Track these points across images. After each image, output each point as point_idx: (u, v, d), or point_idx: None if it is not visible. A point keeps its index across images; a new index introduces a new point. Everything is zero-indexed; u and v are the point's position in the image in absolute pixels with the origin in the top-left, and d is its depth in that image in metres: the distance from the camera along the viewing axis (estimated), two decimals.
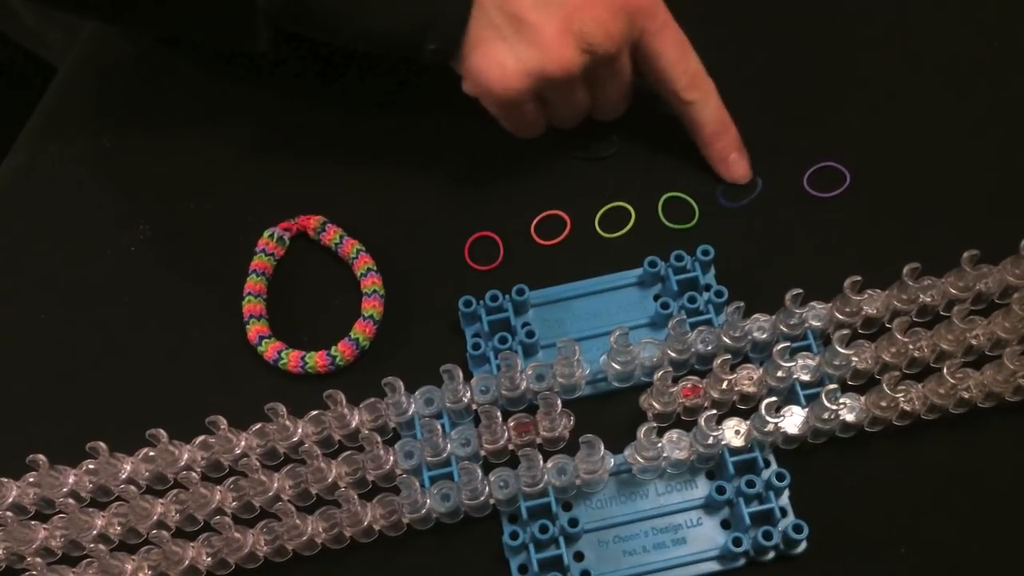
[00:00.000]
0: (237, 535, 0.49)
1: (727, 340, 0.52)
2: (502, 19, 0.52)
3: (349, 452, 0.51)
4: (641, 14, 0.54)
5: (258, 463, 0.50)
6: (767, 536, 0.47)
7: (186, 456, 0.52)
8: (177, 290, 0.60)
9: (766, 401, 0.49)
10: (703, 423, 0.48)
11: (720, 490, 0.49)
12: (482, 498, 0.49)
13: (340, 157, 0.62)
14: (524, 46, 0.52)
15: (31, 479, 0.52)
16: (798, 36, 0.65)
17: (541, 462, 0.49)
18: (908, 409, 0.50)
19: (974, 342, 0.51)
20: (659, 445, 0.50)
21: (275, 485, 0.51)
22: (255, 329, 0.56)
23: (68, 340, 0.59)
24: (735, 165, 0.58)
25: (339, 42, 0.57)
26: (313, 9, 0.53)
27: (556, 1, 0.52)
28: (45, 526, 0.51)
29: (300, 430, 0.52)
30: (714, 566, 0.49)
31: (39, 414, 0.57)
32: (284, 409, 0.51)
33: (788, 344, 0.50)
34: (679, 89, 0.56)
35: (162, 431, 0.51)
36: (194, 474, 0.50)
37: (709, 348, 0.52)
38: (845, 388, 0.52)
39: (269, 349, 0.55)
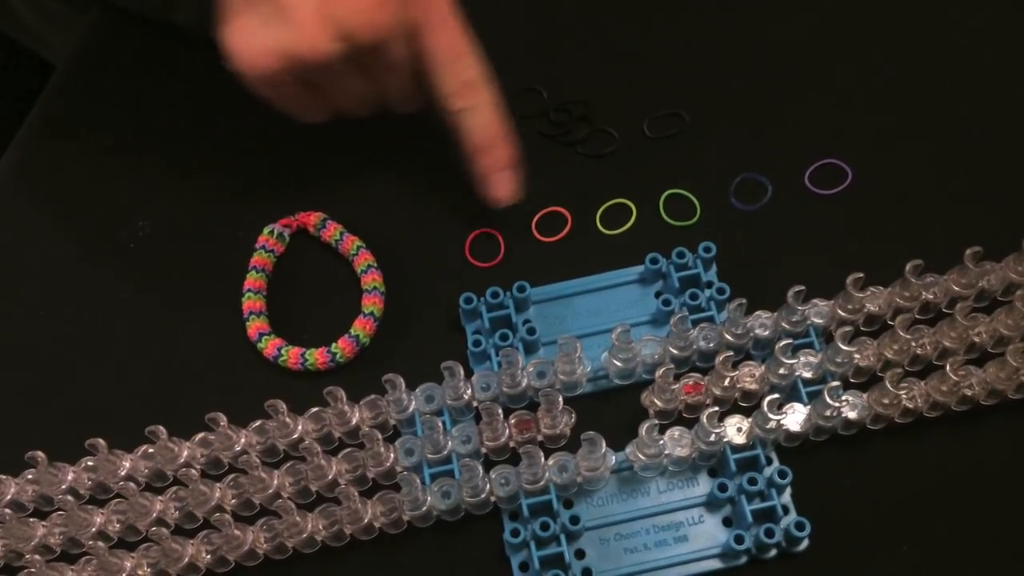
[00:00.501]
0: (237, 532, 0.49)
1: (729, 337, 0.52)
2: None
3: (349, 449, 0.51)
4: (414, 6, 0.51)
5: (258, 460, 0.50)
6: (769, 534, 0.47)
7: (185, 453, 0.52)
8: (177, 287, 0.59)
9: (768, 398, 0.49)
10: (705, 420, 0.48)
11: (722, 487, 0.49)
12: (483, 496, 0.49)
13: (340, 153, 0.62)
14: (277, 25, 0.49)
15: (30, 476, 0.52)
16: (799, 33, 0.65)
17: (542, 459, 0.49)
18: (910, 407, 0.50)
19: (977, 339, 0.51)
20: (661, 442, 0.49)
21: (275, 482, 0.50)
22: (255, 326, 0.56)
23: (67, 337, 0.58)
24: (498, 185, 0.55)
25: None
26: None
27: None
28: (44, 523, 0.51)
29: (300, 427, 0.52)
30: (716, 564, 0.49)
31: (38, 411, 0.56)
32: (284, 406, 0.51)
33: (790, 341, 0.50)
34: (445, 94, 0.53)
35: (161, 428, 0.51)
36: (193, 471, 0.50)
37: (711, 345, 0.52)
38: (847, 385, 0.51)
39: (269, 346, 0.55)
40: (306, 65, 0.50)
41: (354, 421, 0.52)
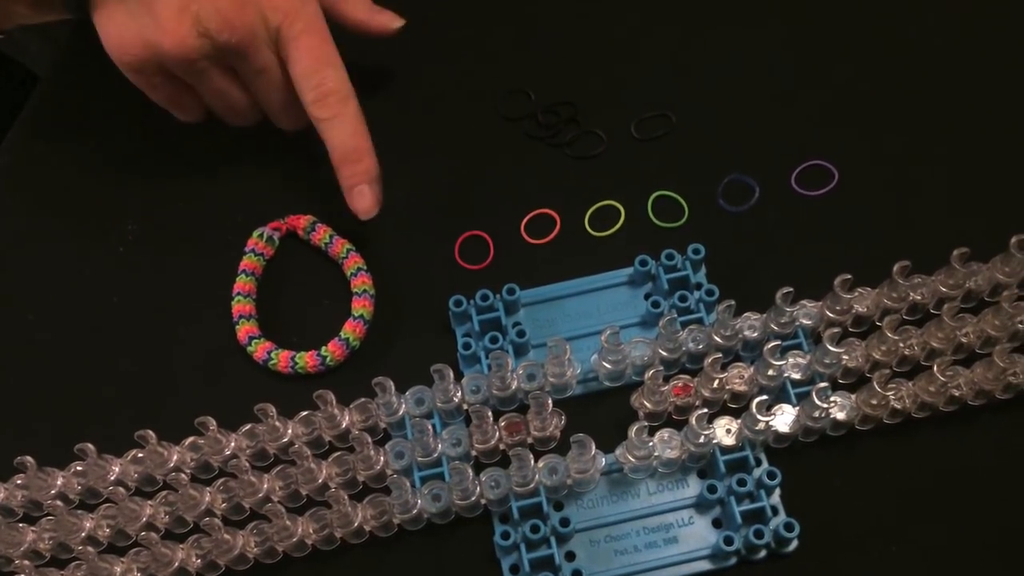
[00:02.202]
0: (227, 536, 0.49)
1: (718, 339, 0.52)
2: None
3: (339, 453, 0.51)
4: (275, 12, 0.53)
5: (248, 464, 0.50)
6: (758, 535, 0.47)
7: (175, 457, 0.52)
8: (166, 290, 0.59)
9: (757, 400, 0.49)
10: (694, 422, 0.48)
11: (711, 489, 0.49)
12: (473, 498, 0.49)
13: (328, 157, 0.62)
14: (144, 18, 0.52)
15: (19, 481, 0.52)
16: (785, 35, 0.65)
17: (532, 462, 0.49)
18: (899, 407, 0.50)
19: (964, 340, 0.51)
20: (650, 444, 0.50)
21: (265, 486, 0.50)
22: (245, 329, 0.56)
23: (56, 341, 0.58)
24: (359, 197, 0.55)
25: None
26: None
27: None
28: (33, 528, 0.51)
29: (290, 431, 0.52)
30: (705, 565, 0.49)
31: (27, 416, 0.56)
32: (274, 410, 0.51)
33: (779, 343, 0.50)
34: (307, 102, 0.54)
35: (151, 432, 0.51)
36: (183, 475, 0.50)
37: (700, 347, 0.52)
38: (836, 386, 0.52)
39: (259, 349, 0.55)
40: (169, 58, 0.52)
41: (344, 424, 0.52)
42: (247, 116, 0.59)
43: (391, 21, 0.60)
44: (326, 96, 0.54)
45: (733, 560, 0.49)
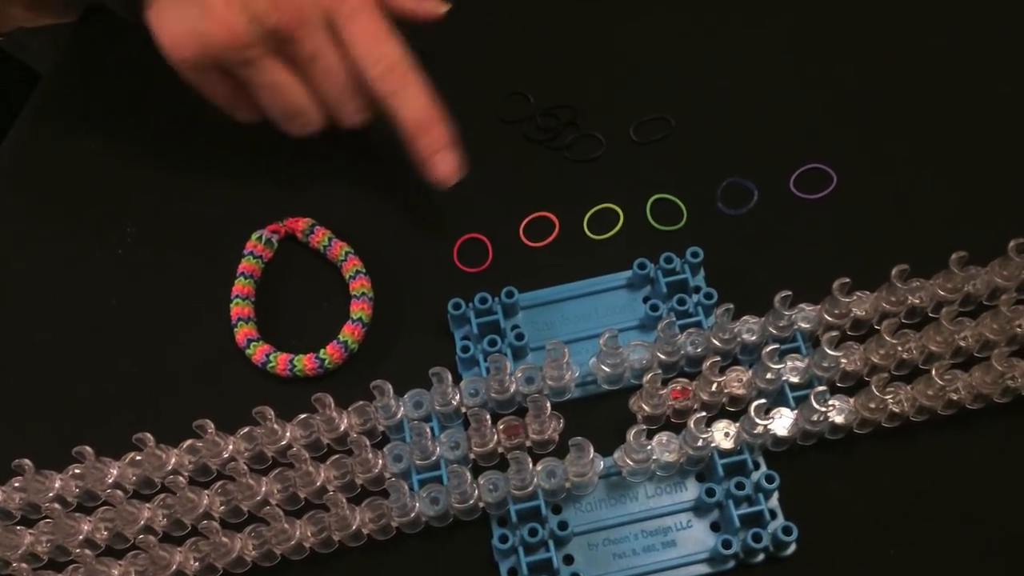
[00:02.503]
0: (225, 540, 0.48)
1: (716, 342, 0.52)
2: None
3: (337, 456, 0.51)
4: None
5: (246, 467, 0.50)
6: (757, 538, 0.47)
7: (173, 460, 0.52)
8: (164, 293, 0.59)
9: (755, 403, 0.49)
10: (693, 425, 0.48)
11: (710, 492, 0.49)
12: (471, 501, 0.49)
13: (328, 159, 0.62)
14: (194, 9, 0.51)
15: (17, 484, 0.52)
16: (784, 38, 0.65)
17: (530, 465, 0.49)
18: (897, 411, 0.50)
19: (962, 344, 0.51)
20: (648, 447, 0.50)
21: (263, 489, 0.50)
22: (243, 332, 0.56)
23: (54, 343, 0.58)
24: (441, 164, 0.55)
25: None
26: None
27: None
28: (31, 531, 0.51)
29: (288, 434, 0.52)
30: (704, 568, 0.49)
31: (25, 418, 0.56)
32: (272, 413, 0.51)
33: (777, 346, 0.50)
34: (370, 79, 0.53)
35: (149, 435, 0.51)
36: (181, 478, 0.50)
37: (698, 350, 0.52)
38: (834, 390, 0.52)
39: (257, 352, 0.55)
40: (222, 48, 0.51)
41: (342, 427, 0.52)
42: (308, 116, 0.56)
43: (437, 7, 0.59)
44: (391, 69, 0.53)
45: (731, 564, 0.49)
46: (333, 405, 0.51)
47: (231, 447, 0.52)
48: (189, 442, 0.52)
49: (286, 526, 0.48)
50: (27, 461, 0.50)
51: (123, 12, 0.53)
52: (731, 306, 0.51)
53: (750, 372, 0.51)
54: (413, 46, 0.55)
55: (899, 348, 0.51)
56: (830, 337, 0.50)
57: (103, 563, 0.49)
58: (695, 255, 0.55)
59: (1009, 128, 0.60)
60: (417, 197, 0.61)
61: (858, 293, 0.53)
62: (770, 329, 0.52)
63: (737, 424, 0.50)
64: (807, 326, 0.53)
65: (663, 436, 0.50)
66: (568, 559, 0.49)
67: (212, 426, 0.51)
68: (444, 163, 0.55)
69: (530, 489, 0.49)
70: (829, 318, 0.52)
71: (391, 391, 0.51)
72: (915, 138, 0.60)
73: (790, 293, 0.51)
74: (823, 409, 0.49)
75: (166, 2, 0.52)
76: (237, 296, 0.57)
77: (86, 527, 0.50)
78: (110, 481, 0.52)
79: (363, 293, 0.56)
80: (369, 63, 0.53)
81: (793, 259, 0.57)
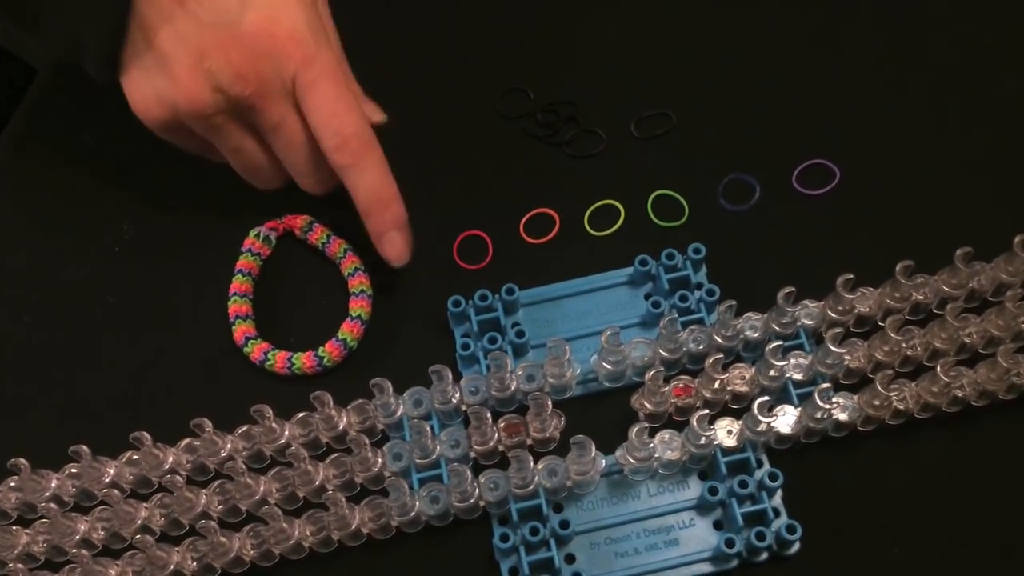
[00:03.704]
0: (223, 539, 0.48)
1: (719, 339, 0.52)
2: (143, 46, 0.52)
3: (337, 454, 0.51)
4: (289, 61, 0.52)
5: (244, 466, 0.50)
6: (760, 537, 0.47)
7: (171, 459, 0.51)
8: (162, 291, 0.59)
9: (758, 401, 0.49)
10: (695, 423, 0.48)
11: (712, 491, 0.49)
12: (472, 500, 0.49)
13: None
14: (159, 76, 0.52)
15: (12, 483, 0.51)
16: (786, 33, 0.65)
17: (531, 463, 0.49)
18: (901, 408, 0.50)
19: (967, 340, 0.51)
20: (651, 445, 0.49)
21: (262, 488, 0.50)
22: (241, 330, 0.56)
23: (51, 342, 0.58)
24: (388, 244, 0.55)
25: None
26: None
27: (195, 37, 0.51)
28: (27, 531, 0.50)
29: (287, 432, 0.51)
30: (707, 567, 0.48)
31: (21, 417, 0.56)
32: (271, 411, 0.50)
33: (780, 343, 0.50)
34: (326, 150, 0.53)
35: (146, 434, 0.50)
36: (179, 478, 0.49)
37: (701, 347, 0.52)
38: (838, 387, 0.51)
39: (255, 350, 0.55)
40: (187, 114, 0.52)
41: (341, 426, 0.51)
42: (269, 178, 0.57)
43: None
44: (347, 141, 0.53)
45: (735, 562, 0.48)
46: (332, 403, 0.51)
47: (229, 446, 0.51)
48: (186, 441, 0.52)
49: (285, 525, 0.48)
50: (23, 460, 0.50)
51: (98, 76, 0.54)
52: (733, 303, 0.51)
53: (753, 369, 0.51)
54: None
55: (903, 345, 0.51)
56: (834, 334, 0.50)
57: (100, 563, 0.48)
58: (697, 251, 0.55)
59: (1013, 124, 0.60)
60: (416, 194, 0.60)
61: (862, 289, 0.53)
62: (773, 326, 0.52)
63: (740, 422, 0.50)
64: (811, 323, 0.52)
65: (665, 434, 0.50)
66: (570, 558, 0.49)
67: (210, 425, 0.50)
68: (393, 244, 0.55)
69: (531, 488, 0.49)
70: (833, 315, 0.52)
71: (390, 389, 0.51)
72: (918, 133, 0.60)
73: (793, 290, 0.51)
74: (827, 406, 0.49)
75: (136, 70, 0.52)
76: (235, 294, 0.57)
77: (83, 527, 0.50)
78: (107, 480, 0.51)
79: (362, 290, 0.56)
80: (327, 134, 0.53)
81: (796, 255, 0.56)
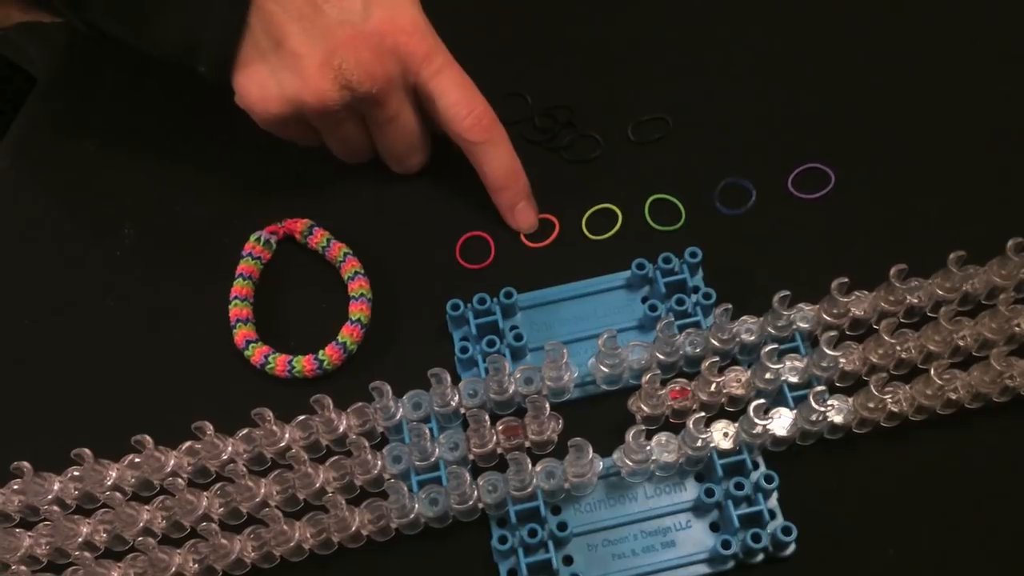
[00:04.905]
0: (224, 541, 0.48)
1: (715, 342, 0.52)
2: (268, 44, 0.53)
3: (337, 457, 0.51)
4: (413, 58, 0.54)
5: (245, 469, 0.50)
6: (756, 538, 0.47)
7: (172, 462, 0.52)
8: (162, 294, 0.59)
9: (754, 403, 0.49)
10: (691, 426, 0.48)
11: (709, 492, 0.49)
12: (470, 502, 0.49)
13: (327, 159, 0.62)
14: (286, 73, 0.53)
15: (16, 486, 0.52)
16: (782, 37, 0.65)
17: (530, 466, 0.49)
18: (896, 410, 0.50)
19: (961, 343, 0.51)
20: (648, 448, 0.49)
21: (262, 491, 0.50)
22: (242, 333, 0.56)
23: (53, 345, 0.58)
24: (521, 215, 0.58)
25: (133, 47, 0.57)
26: (99, 24, 0.55)
27: (323, 33, 0.52)
28: (30, 534, 0.50)
29: (287, 435, 0.52)
30: (703, 569, 0.49)
31: (23, 420, 0.56)
32: (271, 414, 0.51)
33: (776, 346, 0.50)
34: (462, 130, 0.56)
35: (148, 437, 0.51)
36: (180, 480, 0.49)
37: (697, 350, 0.52)
38: (833, 390, 0.52)
39: (256, 353, 0.55)
40: (311, 111, 0.54)
41: (341, 429, 0.52)
42: (364, 157, 0.60)
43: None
44: (480, 119, 0.55)
45: (731, 564, 0.49)
46: (332, 406, 0.51)
47: (230, 449, 0.52)
48: (188, 444, 0.52)
49: (285, 527, 0.48)
50: (26, 464, 0.50)
51: (210, 75, 0.54)
52: (730, 306, 0.51)
53: (749, 372, 0.51)
54: None
55: (898, 348, 0.51)
56: (829, 337, 0.50)
57: (102, 565, 0.49)
58: (694, 255, 0.55)
59: (1007, 127, 0.60)
60: (414, 198, 0.61)
61: (857, 293, 0.53)
62: (769, 329, 0.52)
63: (736, 424, 0.50)
64: (806, 326, 0.53)
65: (662, 436, 0.50)
66: (567, 560, 0.49)
67: (211, 428, 0.51)
68: (524, 214, 0.58)
69: (529, 490, 0.49)
70: (828, 318, 0.52)
71: (390, 392, 0.51)
72: (913, 137, 0.60)
73: (789, 293, 0.51)
74: (822, 409, 0.49)
75: (257, 67, 0.53)
76: (236, 297, 0.57)
77: (85, 529, 0.50)
78: (109, 483, 0.51)
79: (362, 294, 0.56)
80: (460, 114, 0.55)
81: (791, 259, 0.57)
